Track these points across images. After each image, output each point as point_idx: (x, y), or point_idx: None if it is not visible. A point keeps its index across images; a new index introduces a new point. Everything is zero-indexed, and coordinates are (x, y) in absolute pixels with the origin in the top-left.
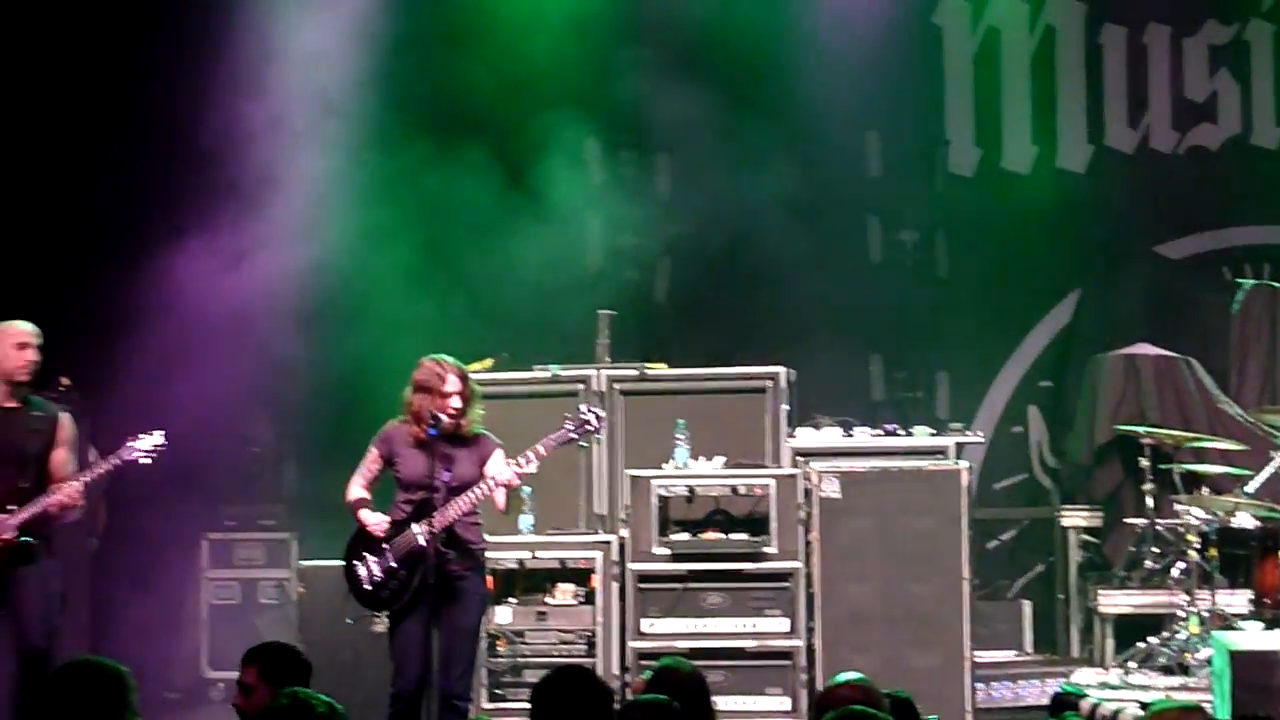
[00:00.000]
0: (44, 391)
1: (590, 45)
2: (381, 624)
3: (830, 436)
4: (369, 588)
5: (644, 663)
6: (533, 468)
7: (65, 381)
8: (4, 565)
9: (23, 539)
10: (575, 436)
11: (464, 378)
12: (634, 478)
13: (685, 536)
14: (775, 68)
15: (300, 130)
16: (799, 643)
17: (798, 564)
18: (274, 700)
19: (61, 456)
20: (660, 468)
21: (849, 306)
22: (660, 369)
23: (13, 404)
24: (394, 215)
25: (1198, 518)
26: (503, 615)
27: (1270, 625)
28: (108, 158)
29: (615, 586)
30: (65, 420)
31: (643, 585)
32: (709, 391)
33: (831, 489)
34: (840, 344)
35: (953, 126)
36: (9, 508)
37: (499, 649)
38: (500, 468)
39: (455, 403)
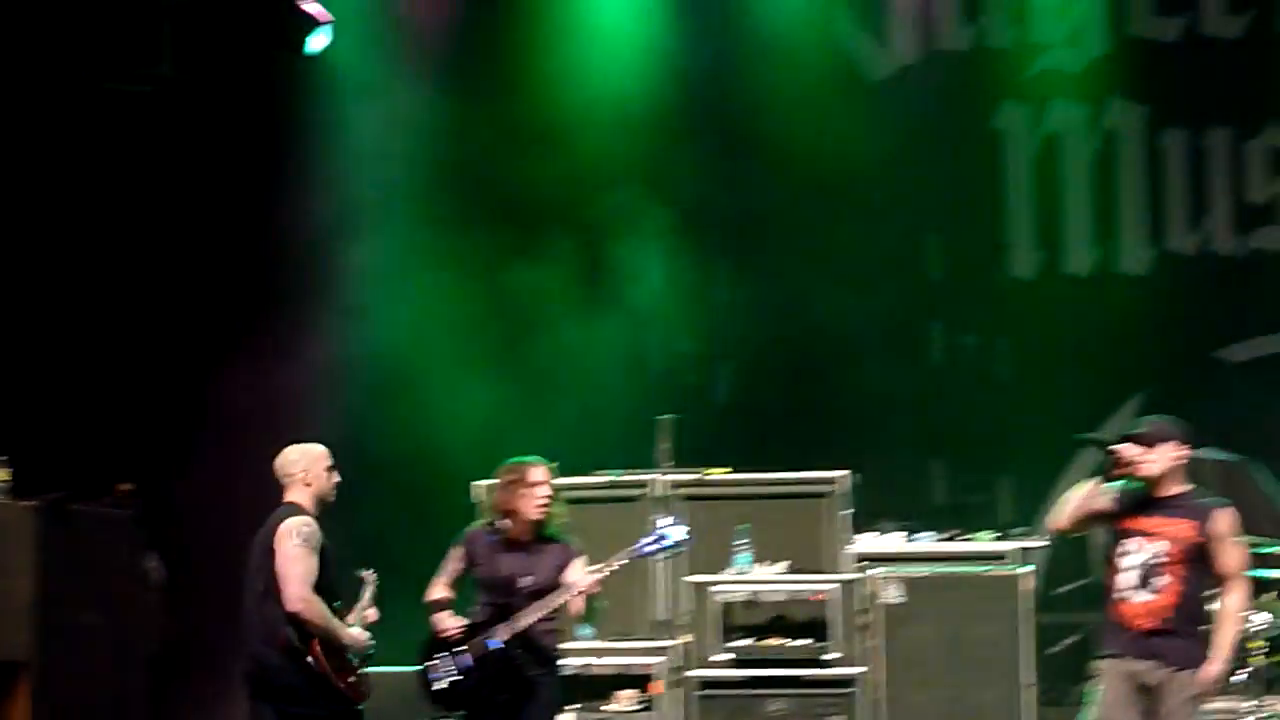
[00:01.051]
0: (104, 497)
1: (646, 144)
2: None
3: (893, 541)
4: (444, 687)
5: None
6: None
7: (124, 487)
8: None
9: None
10: (656, 549)
11: (552, 474)
12: (696, 584)
13: (747, 642)
14: (838, 170)
15: (364, 223)
16: None
17: (860, 670)
18: None
19: None
20: (721, 573)
21: (911, 410)
22: (721, 473)
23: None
24: (454, 309)
25: (1261, 623)
26: None
27: None
28: (175, 262)
29: (679, 693)
30: None
31: (704, 692)
32: (770, 496)
33: (895, 594)
34: (903, 447)
35: (1014, 229)
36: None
37: None
38: (580, 574)
39: (543, 492)
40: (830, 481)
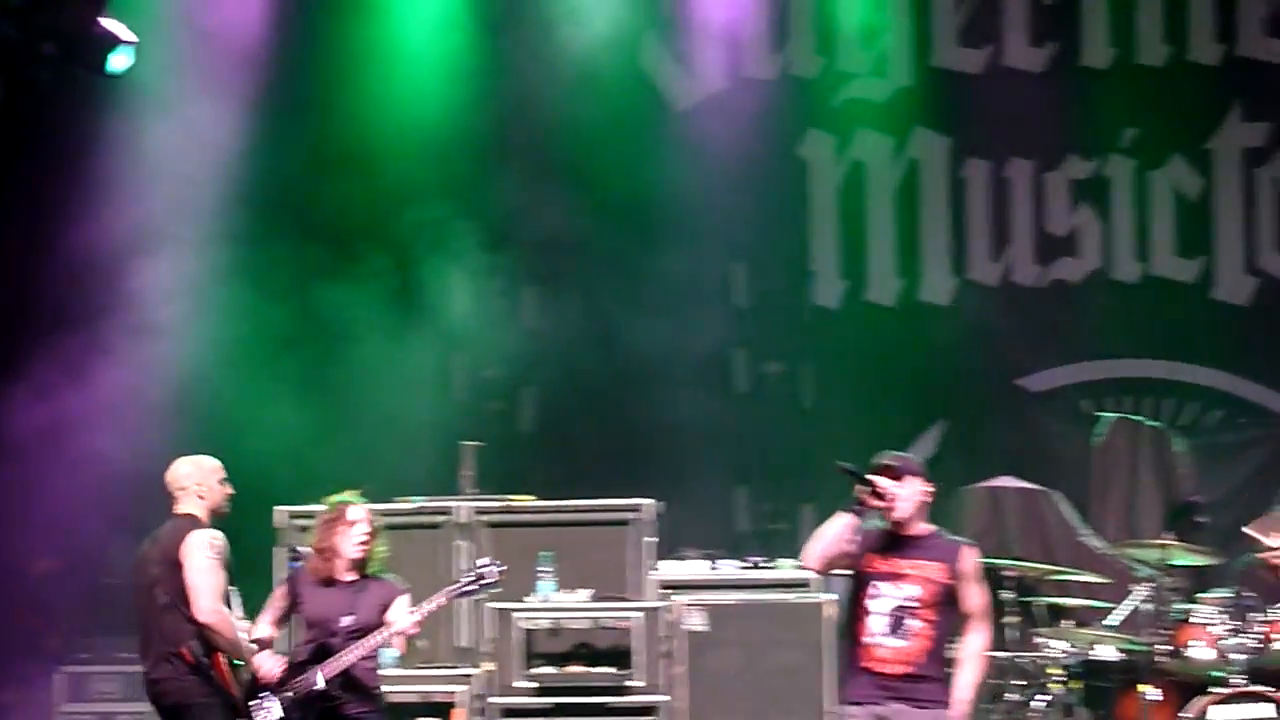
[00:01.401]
0: None
1: (455, 166)
2: None
3: (696, 569)
4: None
5: None
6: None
7: None
8: None
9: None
10: (475, 589)
11: (371, 517)
12: (499, 610)
13: (550, 670)
14: (647, 196)
15: (165, 241)
16: None
17: (664, 697)
18: None
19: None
20: (524, 600)
21: (715, 438)
22: (525, 500)
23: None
24: (258, 329)
25: (1060, 650)
26: None
27: None
28: None
29: None
30: None
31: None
32: (574, 523)
33: (697, 622)
34: (707, 475)
35: (819, 259)
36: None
37: None
38: (402, 615)
39: (361, 532)
40: (634, 509)
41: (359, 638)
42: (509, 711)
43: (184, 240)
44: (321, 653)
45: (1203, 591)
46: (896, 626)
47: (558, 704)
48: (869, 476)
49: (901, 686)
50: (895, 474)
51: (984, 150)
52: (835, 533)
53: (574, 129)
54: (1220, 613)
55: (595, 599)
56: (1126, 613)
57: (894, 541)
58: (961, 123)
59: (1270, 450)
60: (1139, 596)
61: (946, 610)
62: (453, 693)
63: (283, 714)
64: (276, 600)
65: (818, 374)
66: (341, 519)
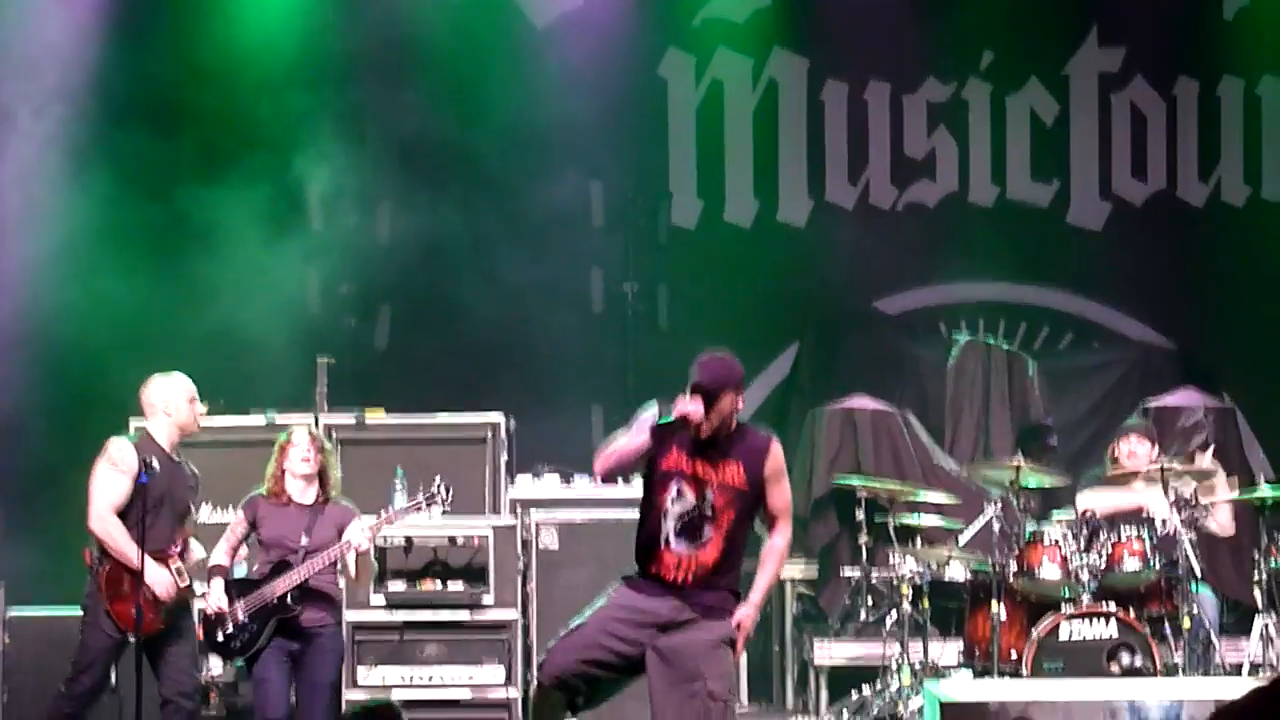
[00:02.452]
0: None
1: (317, 77)
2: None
3: (549, 486)
4: (221, 640)
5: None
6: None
7: None
8: (169, 614)
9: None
10: (423, 508)
11: (315, 438)
12: None
13: (402, 586)
14: (505, 114)
15: (22, 125)
16: (515, 693)
17: (515, 614)
18: None
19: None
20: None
21: (571, 356)
22: (379, 416)
23: (178, 457)
24: (117, 224)
25: (911, 570)
26: (214, 665)
27: (980, 675)
28: None
29: None
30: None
31: (359, 636)
32: (428, 440)
33: (549, 540)
34: (562, 394)
35: (676, 179)
36: (172, 554)
37: (210, 701)
38: (356, 533)
39: (303, 454)
40: (489, 426)
41: (314, 555)
42: (361, 626)
43: (36, 129)
44: (279, 569)
45: (1052, 512)
46: (687, 532)
47: (409, 620)
48: (680, 414)
49: (684, 591)
50: (709, 394)
51: (842, 72)
52: (623, 444)
53: (433, 42)
54: (1068, 533)
55: (448, 515)
56: (976, 532)
57: (696, 441)
58: (820, 44)
59: (1120, 373)
60: (990, 516)
61: (746, 513)
62: None
63: (234, 628)
64: (235, 527)
65: (674, 294)
66: (286, 444)
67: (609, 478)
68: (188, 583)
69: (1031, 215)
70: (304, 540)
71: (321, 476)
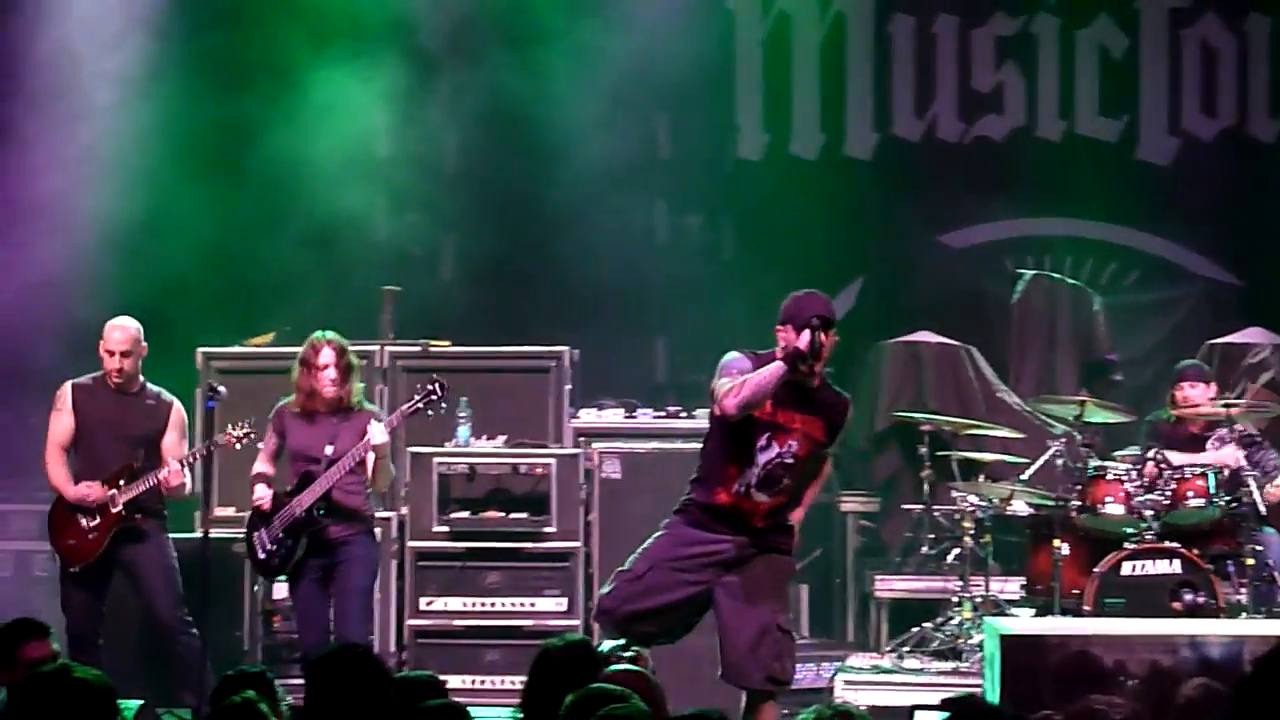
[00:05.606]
0: None
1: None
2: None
3: (613, 417)
4: (262, 557)
5: (422, 641)
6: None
7: None
8: (113, 540)
9: (132, 515)
10: (421, 407)
11: (340, 351)
12: (415, 455)
13: (465, 515)
14: (569, 43)
15: (92, 58)
16: (577, 623)
17: (577, 544)
18: None
19: (171, 440)
20: (442, 446)
21: (635, 288)
22: (443, 346)
23: (130, 390)
24: (186, 160)
25: (973, 504)
26: (280, 591)
27: (1041, 611)
28: None
29: (394, 564)
30: (177, 406)
31: (422, 563)
32: (492, 370)
33: (612, 470)
34: (625, 325)
35: (742, 111)
36: (120, 484)
37: (275, 625)
38: (373, 431)
39: (330, 374)
40: (553, 356)
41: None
42: (424, 555)
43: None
44: (305, 481)
45: (1117, 450)
46: (768, 481)
47: (472, 549)
48: (811, 339)
49: (758, 533)
50: (828, 324)
51: (910, 6)
52: (764, 383)
53: None
54: (1133, 470)
55: (512, 445)
56: (1040, 467)
57: (788, 390)
58: None
59: (1186, 310)
60: (1053, 452)
61: (816, 461)
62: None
63: (273, 544)
64: (268, 438)
65: (738, 226)
66: (312, 360)
67: (741, 412)
68: (119, 508)
69: (1099, 150)
70: (328, 450)
71: (344, 385)
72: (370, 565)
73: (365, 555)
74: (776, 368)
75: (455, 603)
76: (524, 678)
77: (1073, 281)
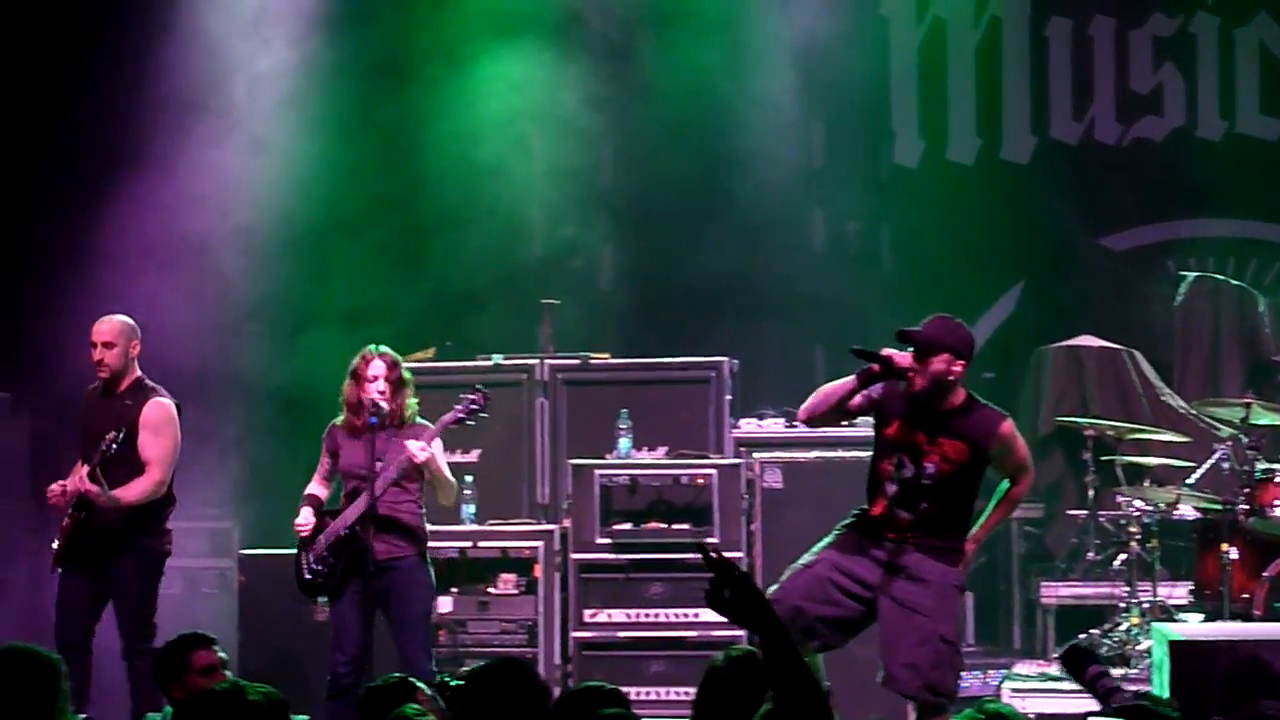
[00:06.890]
0: None
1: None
2: (324, 613)
3: (773, 427)
4: (307, 577)
5: (586, 653)
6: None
7: None
8: (93, 548)
9: (91, 521)
10: (463, 416)
11: (392, 365)
12: (576, 467)
13: (627, 526)
14: (721, 59)
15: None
16: (741, 634)
17: (740, 554)
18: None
19: (143, 439)
20: (603, 457)
21: (793, 297)
22: (603, 359)
23: (116, 389)
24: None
25: (1139, 509)
26: (444, 605)
27: (1210, 616)
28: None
29: (557, 576)
30: (154, 403)
31: (585, 575)
32: (652, 382)
33: (774, 479)
34: (784, 335)
35: (898, 118)
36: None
37: (441, 639)
38: (412, 445)
39: (379, 387)
40: (712, 366)
41: (391, 484)
42: (587, 567)
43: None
44: (353, 498)
45: None
46: (906, 500)
47: (634, 560)
48: (885, 351)
49: (917, 546)
50: (917, 346)
51: (1066, 8)
52: (832, 392)
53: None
54: None
55: (673, 456)
56: (1206, 471)
57: (920, 411)
58: None
59: None
60: (1219, 456)
61: (969, 482)
62: (532, 549)
63: (318, 564)
64: (321, 459)
65: (896, 234)
66: (362, 372)
67: (811, 422)
68: (69, 510)
69: (1261, 149)
70: (377, 466)
71: (395, 399)
72: (428, 591)
73: (421, 581)
74: (847, 380)
75: (619, 614)
76: (689, 689)
77: (1237, 283)
